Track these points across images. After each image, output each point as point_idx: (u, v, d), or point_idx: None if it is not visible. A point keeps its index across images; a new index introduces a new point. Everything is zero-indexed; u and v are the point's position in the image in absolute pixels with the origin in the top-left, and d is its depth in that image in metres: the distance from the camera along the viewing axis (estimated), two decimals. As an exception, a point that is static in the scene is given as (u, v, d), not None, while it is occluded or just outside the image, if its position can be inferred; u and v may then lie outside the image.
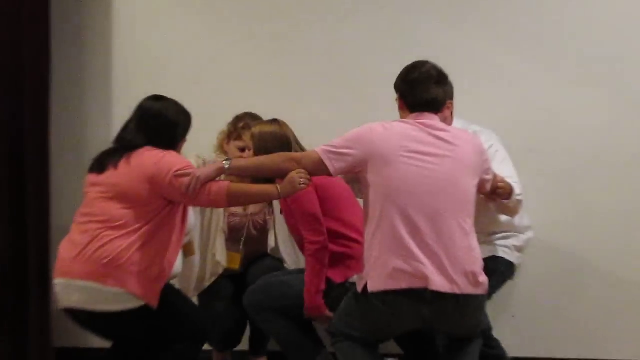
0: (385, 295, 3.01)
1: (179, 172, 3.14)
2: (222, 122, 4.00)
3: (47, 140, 4.16)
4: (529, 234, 3.77)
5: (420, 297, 2.99)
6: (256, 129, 3.59)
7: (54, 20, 4.19)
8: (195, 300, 3.85)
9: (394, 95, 3.27)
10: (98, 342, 3.42)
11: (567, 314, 4.22)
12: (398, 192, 3.02)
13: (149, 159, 3.19)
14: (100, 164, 3.24)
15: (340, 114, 4.17)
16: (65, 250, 3.20)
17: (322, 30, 4.32)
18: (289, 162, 3.17)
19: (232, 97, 4.25)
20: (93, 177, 3.26)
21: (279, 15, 4.34)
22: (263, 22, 4.34)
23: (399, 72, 3.26)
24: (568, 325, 4.21)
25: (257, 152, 3.53)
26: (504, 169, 3.44)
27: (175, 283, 3.62)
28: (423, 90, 3.16)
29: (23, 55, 4.11)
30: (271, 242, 3.97)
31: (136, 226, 3.14)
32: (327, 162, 3.11)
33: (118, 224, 3.14)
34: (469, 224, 3.08)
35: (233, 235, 3.93)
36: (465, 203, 3.08)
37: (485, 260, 3.19)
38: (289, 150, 3.48)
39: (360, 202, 3.28)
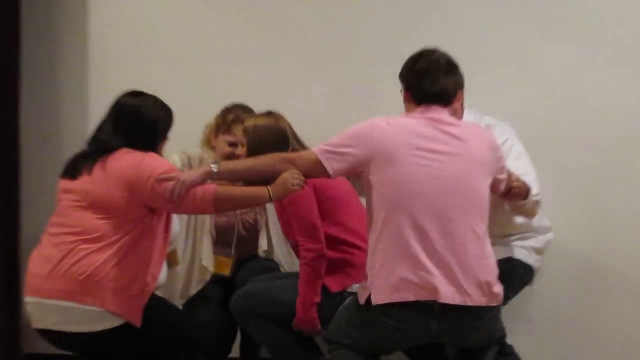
0: (391, 308, 2.88)
1: (161, 177, 3.01)
2: (210, 111, 3.85)
3: (17, 132, 4.02)
4: (549, 235, 3.63)
5: (429, 310, 2.86)
6: (250, 123, 3.46)
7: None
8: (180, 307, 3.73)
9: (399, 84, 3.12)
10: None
11: (588, 320, 4.07)
12: (404, 194, 2.89)
13: (127, 162, 3.06)
14: (73, 169, 3.12)
15: (344, 104, 4.05)
16: (36, 265, 3.08)
17: (325, 3, 4.16)
18: (283, 163, 3.04)
19: (222, 82, 4.13)
20: (65, 183, 3.13)
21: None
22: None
23: (405, 54, 3.10)
24: (589, 332, 4.06)
25: (251, 148, 3.40)
26: (520, 166, 3.30)
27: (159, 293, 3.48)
28: (431, 80, 3.02)
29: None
30: (262, 244, 3.86)
31: (114, 238, 3.03)
32: (325, 163, 2.97)
33: (94, 235, 3.03)
34: (482, 228, 2.94)
35: (221, 237, 3.80)
36: (478, 205, 2.95)
37: (500, 262, 3.05)
38: (286, 145, 3.37)
39: (364, 201, 3.15)
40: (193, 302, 3.76)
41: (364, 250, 3.12)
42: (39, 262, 3.07)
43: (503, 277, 2.99)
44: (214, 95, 3.96)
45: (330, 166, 2.95)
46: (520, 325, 3.96)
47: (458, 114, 3.20)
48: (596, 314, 4.05)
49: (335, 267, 3.35)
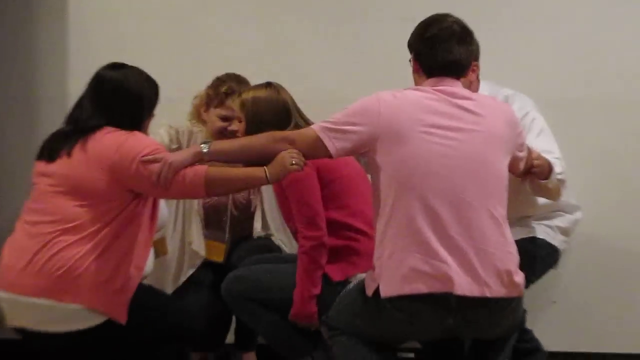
0: (401, 301, 2.73)
1: (146, 158, 2.85)
2: (200, 78, 3.69)
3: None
4: (578, 215, 3.50)
5: (444, 303, 2.70)
6: (248, 95, 3.28)
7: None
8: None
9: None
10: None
11: (615, 304, 3.93)
12: (414, 175, 2.74)
13: (110, 143, 2.89)
14: (50, 150, 2.94)
15: (348, 78, 3.91)
16: (11, 257, 2.91)
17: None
18: (281, 143, 2.88)
19: (216, 57, 3.95)
20: (42, 166, 2.96)
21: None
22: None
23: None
24: (615, 317, 3.93)
25: (250, 123, 3.24)
26: (541, 142, 3.21)
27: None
28: (443, 49, 2.87)
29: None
30: (257, 227, 3.68)
31: (95, 227, 2.87)
32: (327, 142, 2.81)
33: (73, 224, 2.86)
34: (501, 212, 2.79)
35: (212, 219, 3.64)
36: (496, 187, 2.80)
37: (522, 242, 2.97)
38: (289, 120, 3.22)
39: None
40: (183, 288, 3.63)
41: (370, 237, 3.00)
42: (14, 253, 2.91)
43: (525, 259, 2.87)
44: (204, 58, 3.88)
45: (332, 145, 2.80)
46: (544, 308, 3.88)
47: (473, 86, 3.07)
48: (623, 298, 3.93)
49: (338, 254, 3.21)
